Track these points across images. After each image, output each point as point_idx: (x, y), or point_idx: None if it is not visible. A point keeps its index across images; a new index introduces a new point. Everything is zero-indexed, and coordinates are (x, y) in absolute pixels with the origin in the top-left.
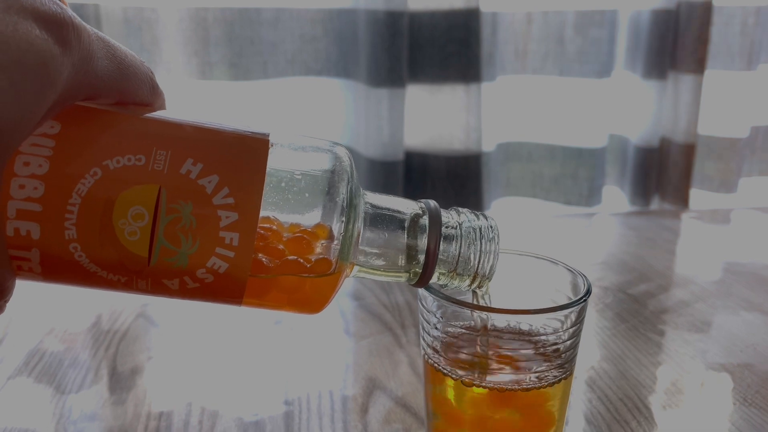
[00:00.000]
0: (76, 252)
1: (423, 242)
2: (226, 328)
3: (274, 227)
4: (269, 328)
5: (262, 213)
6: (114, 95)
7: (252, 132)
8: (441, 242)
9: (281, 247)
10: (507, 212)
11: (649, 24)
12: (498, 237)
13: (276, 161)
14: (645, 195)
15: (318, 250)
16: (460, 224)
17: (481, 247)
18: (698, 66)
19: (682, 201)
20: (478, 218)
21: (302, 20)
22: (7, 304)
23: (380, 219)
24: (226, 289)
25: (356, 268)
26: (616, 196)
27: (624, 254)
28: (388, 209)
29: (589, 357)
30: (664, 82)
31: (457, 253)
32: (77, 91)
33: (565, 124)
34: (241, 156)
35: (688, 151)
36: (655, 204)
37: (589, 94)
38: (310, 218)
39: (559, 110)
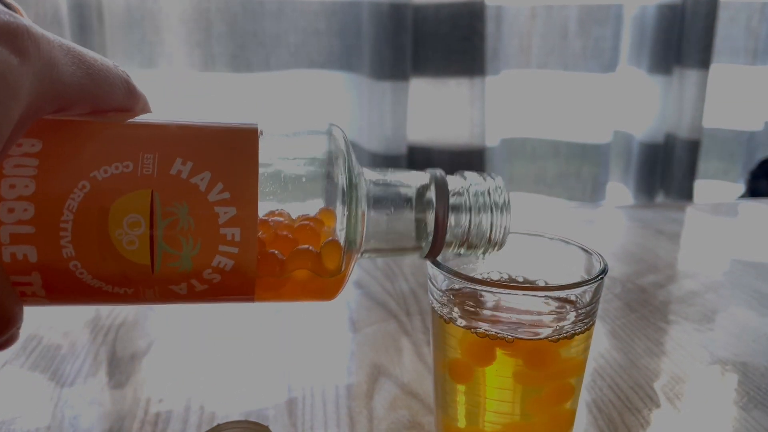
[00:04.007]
0: (77, 269)
1: (431, 215)
2: (229, 314)
3: (277, 218)
4: (272, 314)
5: (263, 205)
6: (88, 103)
7: (239, 123)
8: (449, 213)
9: (288, 236)
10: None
11: (655, 19)
12: (508, 197)
13: (268, 150)
14: (649, 191)
15: (325, 236)
16: (467, 190)
17: (492, 210)
18: (703, 61)
19: (687, 197)
20: (485, 179)
21: (306, 13)
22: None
23: (384, 196)
24: (235, 286)
25: (366, 248)
26: (620, 193)
27: (631, 245)
28: (392, 185)
29: (599, 346)
30: (669, 78)
31: (467, 222)
32: (45, 102)
33: (570, 119)
34: (231, 148)
35: (693, 147)
36: (660, 200)
37: (593, 90)
38: (312, 204)
39: (563, 106)
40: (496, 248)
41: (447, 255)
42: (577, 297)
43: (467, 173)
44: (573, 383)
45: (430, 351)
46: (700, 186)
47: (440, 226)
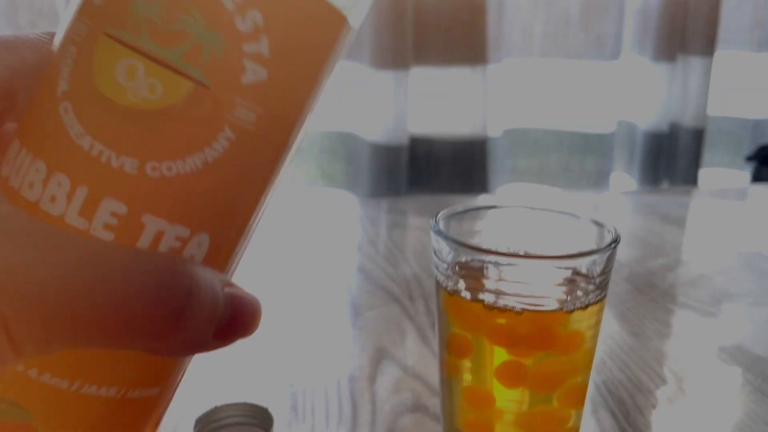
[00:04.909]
0: (159, 169)
1: None
2: None
3: None
4: (272, 297)
5: None
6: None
7: None
8: None
9: None
10: (513, 198)
11: (659, 5)
12: None
13: None
14: (654, 181)
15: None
16: None
17: None
18: (708, 48)
19: (692, 186)
20: None
21: None
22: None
23: None
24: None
25: None
26: (624, 183)
27: (638, 230)
28: None
29: (608, 328)
30: (673, 65)
31: None
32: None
33: (573, 109)
34: None
35: (698, 135)
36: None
37: (597, 78)
38: None
39: (566, 94)
40: None
41: None
42: (588, 268)
43: None
44: (584, 358)
45: (434, 334)
46: (705, 175)
47: None
